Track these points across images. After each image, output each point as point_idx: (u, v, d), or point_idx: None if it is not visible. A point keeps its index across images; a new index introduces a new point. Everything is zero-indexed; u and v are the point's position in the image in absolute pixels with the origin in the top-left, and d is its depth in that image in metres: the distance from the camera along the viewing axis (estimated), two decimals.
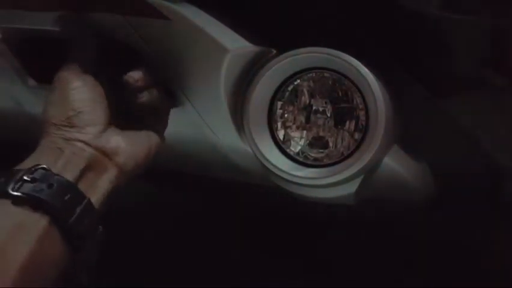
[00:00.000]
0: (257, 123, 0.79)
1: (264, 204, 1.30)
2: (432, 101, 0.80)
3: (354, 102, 0.78)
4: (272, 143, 0.80)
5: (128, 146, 0.73)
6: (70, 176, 0.68)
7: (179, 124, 0.84)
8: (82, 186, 0.68)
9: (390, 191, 0.83)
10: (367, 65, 0.75)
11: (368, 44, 0.77)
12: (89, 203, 0.68)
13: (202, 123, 0.83)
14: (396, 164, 0.80)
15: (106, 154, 0.72)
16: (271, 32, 0.78)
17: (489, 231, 0.98)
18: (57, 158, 0.69)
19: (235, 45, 0.76)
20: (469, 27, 0.80)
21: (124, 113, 0.76)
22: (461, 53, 0.81)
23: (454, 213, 0.93)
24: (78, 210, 0.66)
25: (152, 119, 0.78)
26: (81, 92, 0.72)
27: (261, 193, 0.96)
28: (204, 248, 1.44)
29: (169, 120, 0.82)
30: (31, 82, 0.93)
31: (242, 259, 1.40)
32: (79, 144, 0.70)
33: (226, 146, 0.85)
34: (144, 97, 0.75)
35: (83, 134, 0.71)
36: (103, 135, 0.72)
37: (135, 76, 0.74)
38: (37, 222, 0.64)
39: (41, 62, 0.88)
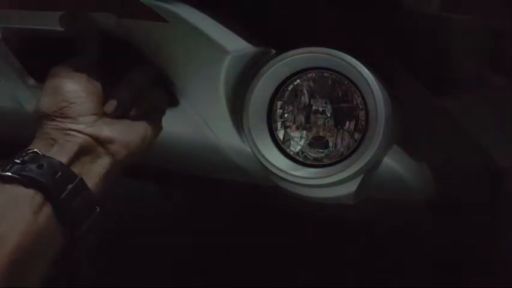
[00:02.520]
0: (257, 123, 0.79)
1: (264, 204, 1.30)
2: (432, 100, 0.80)
3: (354, 102, 0.78)
4: (272, 143, 0.80)
5: (121, 135, 0.74)
6: (63, 159, 0.69)
7: (179, 124, 0.84)
8: (75, 169, 0.69)
9: (390, 191, 0.83)
10: (367, 65, 0.75)
11: (368, 44, 0.77)
12: (82, 182, 0.69)
13: (202, 123, 0.83)
14: (396, 164, 0.80)
15: (99, 142, 0.73)
16: (270, 32, 0.78)
17: (489, 231, 0.98)
18: (52, 146, 0.70)
19: (235, 47, 0.76)
20: (469, 27, 0.80)
21: None
22: (461, 53, 0.81)
23: (453, 213, 0.93)
24: (69, 187, 0.67)
25: (148, 111, 0.79)
26: (74, 84, 0.73)
27: (261, 193, 0.96)
28: (204, 248, 1.44)
29: (169, 121, 0.82)
30: (31, 82, 0.93)
31: (241, 258, 1.40)
32: (73, 132, 0.72)
33: (226, 146, 0.85)
34: (132, 113, 0.77)
35: (76, 124, 0.72)
36: (96, 124, 0.73)
37: (110, 109, 0.75)
38: (31, 199, 0.65)
39: (41, 62, 0.88)
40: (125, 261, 1.38)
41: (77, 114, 0.72)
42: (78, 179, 0.69)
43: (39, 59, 0.89)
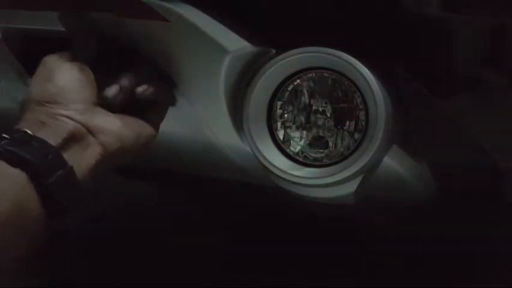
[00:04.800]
0: (257, 123, 0.79)
1: (264, 204, 1.30)
2: (432, 101, 0.80)
3: (354, 102, 0.78)
4: (272, 143, 0.80)
5: (114, 127, 0.72)
6: (52, 142, 0.65)
7: (179, 124, 0.84)
8: (65, 155, 0.65)
9: (390, 191, 0.83)
10: (367, 65, 0.75)
11: (368, 44, 0.77)
12: (72, 171, 0.65)
13: (202, 123, 0.83)
14: (396, 164, 0.80)
15: (90, 131, 0.70)
16: (271, 32, 0.78)
17: (489, 231, 0.98)
18: (40, 128, 0.67)
19: (235, 46, 0.76)
20: (469, 27, 0.80)
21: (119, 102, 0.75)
22: (461, 53, 0.81)
23: (453, 213, 0.93)
24: (59, 173, 0.63)
25: (147, 110, 0.77)
26: (66, 71, 0.71)
27: (261, 193, 0.96)
28: (204, 248, 1.44)
29: (169, 121, 0.82)
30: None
31: (241, 259, 1.40)
32: (63, 118, 0.68)
33: (226, 146, 0.85)
34: (129, 109, 0.74)
35: (67, 110, 0.69)
36: (88, 112, 0.70)
37: (111, 92, 0.73)
38: (15, 177, 0.61)
39: None
40: (124, 261, 1.38)
41: (68, 101, 0.69)
42: (69, 167, 0.64)
43: (39, 59, 0.89)
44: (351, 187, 0.79)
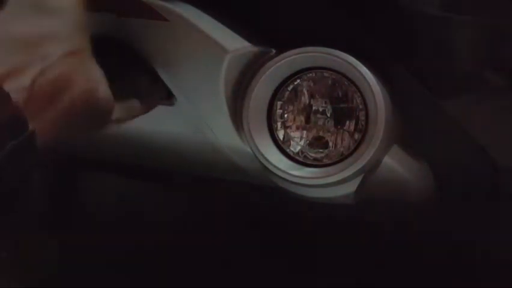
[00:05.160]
0: (257, 123, 0.79)
1: (264, 204, 1.30)
2: (433, 101, 0.80)
3: (354, 102, 0.78)
4: (272, 143, 0.80)
5: (108, 90, 0.56)
6: (25, 91, 0.48)
7: (179, 124, 0.84)
8: (32, 113, 0.48)
9: (390, 190, 0.83)
10: (367, 65, 0.75)
11: (368, 44, 0.77)
12: (32, 136, 0.47)
13: (202, 123, 0.83)
14: (396, 164, 0.80)
15: (88, 80, 0.52)
16: (270, 32, 0.78)
17: (489, 231, 0.98)
18: (13, 52, 0.49)
19: (235, 46, 0.76)
20: (469, 27, 0.80)
21: None
22: (461, 53, 0.81)
23: (453, 213, 0.93)
24: (12, 144, 0.45)
25: (127, 105, 0.70)
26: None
27: (261, 193, 0.96)
28: (204, 248, 1.44)
29: (169, 121, 0.82)
30: None
31: (241, 259, 1.40)
32: (53, 56, 0.50)
33: (226, 146, 0.85)
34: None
35: (63, 47, 0.51)
36: (88, 57, 0.53)
37: None
38: None
39: None
40: (123, 261, 1.38)
41: (66, 35, 0.51)
42: (29, 132, 0.46)
43: None
44: (351, 187, 0.79)
